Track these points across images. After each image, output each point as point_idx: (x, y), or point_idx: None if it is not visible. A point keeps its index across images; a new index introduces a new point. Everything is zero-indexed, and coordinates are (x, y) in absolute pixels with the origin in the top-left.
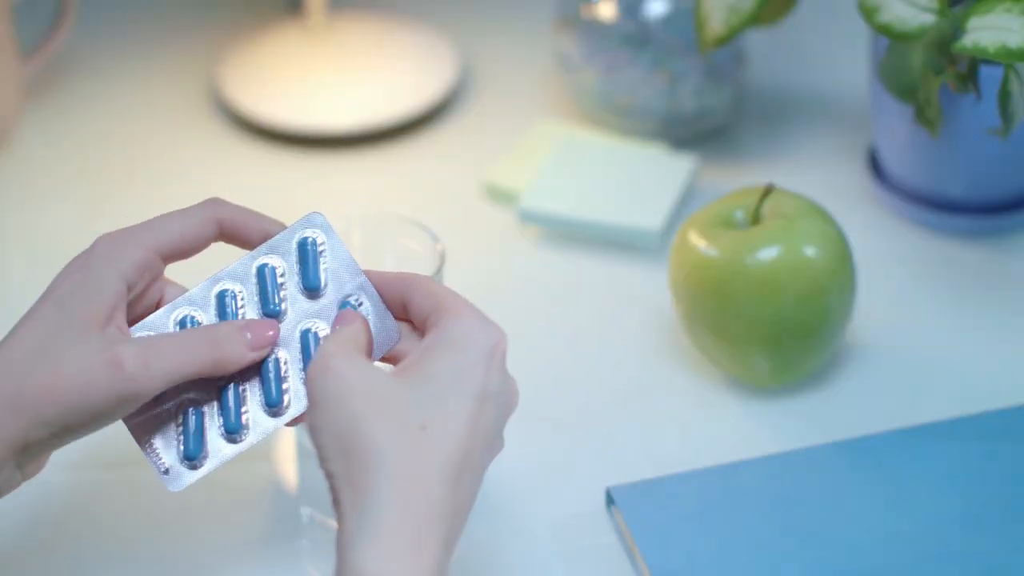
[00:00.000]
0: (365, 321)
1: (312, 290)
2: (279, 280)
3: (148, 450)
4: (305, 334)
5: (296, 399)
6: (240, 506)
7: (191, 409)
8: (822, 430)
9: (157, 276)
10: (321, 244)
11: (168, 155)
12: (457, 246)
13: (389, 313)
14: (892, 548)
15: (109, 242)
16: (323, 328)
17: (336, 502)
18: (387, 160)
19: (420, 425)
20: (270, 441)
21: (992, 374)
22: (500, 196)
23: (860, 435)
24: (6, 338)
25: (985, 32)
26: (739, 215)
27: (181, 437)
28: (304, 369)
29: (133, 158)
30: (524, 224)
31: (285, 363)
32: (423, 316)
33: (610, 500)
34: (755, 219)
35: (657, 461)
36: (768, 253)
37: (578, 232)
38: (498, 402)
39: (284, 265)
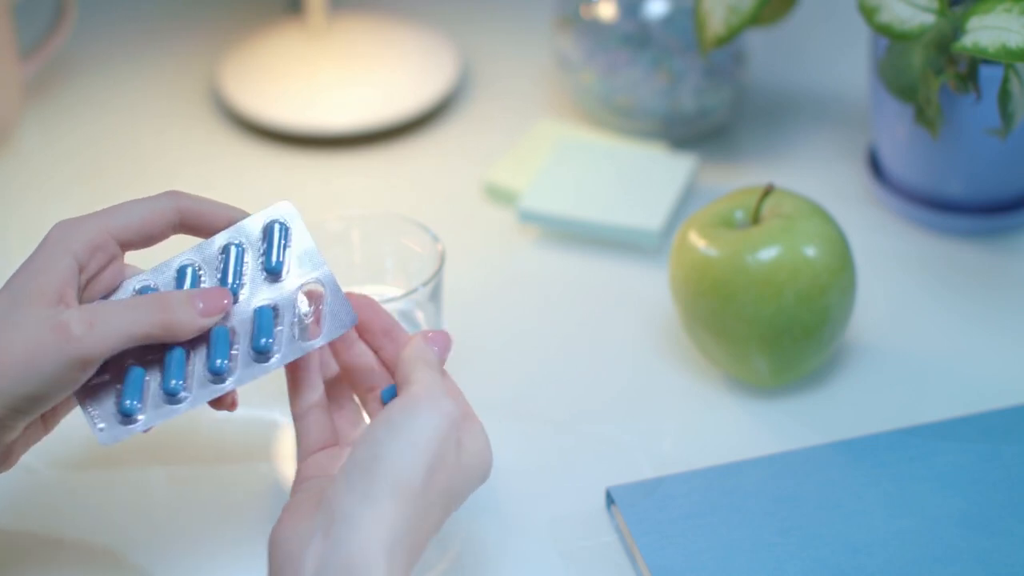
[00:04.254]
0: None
1: (274, 273)
2: (244, 260)
3: (87, 407)
4: (259, 309)
5: (242, 370)
6: (240, 506)
7: (132, 367)
8: (822, 430)
9: (113, 258)
10: (288, 230)
11: (168, 155)
12: (457, 246)
13: (348, 303)
14: (892, 548)
15: (65, 226)
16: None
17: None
18: (387, 160)
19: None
20: (270, 441)
21: (992, 374)
22: (500, 196)
23: (860, 435)
24: None
25: (985, 32)
26: (739, 215)
27: (120, 391)
28: (254, 344)
29: (133, 158)
30: (524, 224)
31: (235, 335)
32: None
33: (610, 500)
34: (755, 219)
35: (657, 461)
36: (768, 253)
37: (578, 232)
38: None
39: (249, 247)
